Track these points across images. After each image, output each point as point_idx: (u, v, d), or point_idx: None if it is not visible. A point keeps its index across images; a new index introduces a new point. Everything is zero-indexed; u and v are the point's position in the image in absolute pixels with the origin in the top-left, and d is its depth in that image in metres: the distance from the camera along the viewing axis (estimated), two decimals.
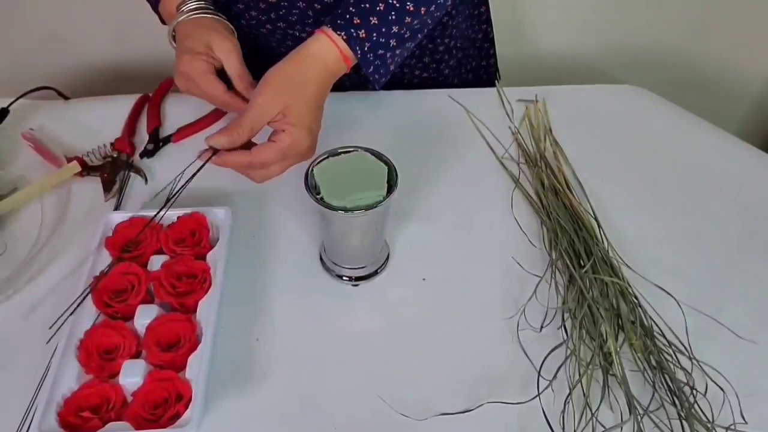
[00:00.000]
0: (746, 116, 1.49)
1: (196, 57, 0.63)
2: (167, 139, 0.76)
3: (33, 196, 0.68)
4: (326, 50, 0.60)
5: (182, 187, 0.60)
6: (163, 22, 0.73)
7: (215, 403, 0.52)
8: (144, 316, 0.54)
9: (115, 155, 0.73)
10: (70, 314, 0.54)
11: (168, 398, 0.49)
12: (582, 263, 0.62)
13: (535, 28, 1.29)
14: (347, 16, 0.61)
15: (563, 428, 0.51)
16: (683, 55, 1.39)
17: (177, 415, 0.48)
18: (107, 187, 0.69)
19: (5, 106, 0.77)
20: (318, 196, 0.54)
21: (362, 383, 0.54)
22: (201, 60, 0.63)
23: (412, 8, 0.62)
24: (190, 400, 0.49)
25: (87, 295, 0.55)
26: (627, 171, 0.75)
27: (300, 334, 0.57)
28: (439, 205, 0.70)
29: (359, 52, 0.61)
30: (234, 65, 0.65)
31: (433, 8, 0.64)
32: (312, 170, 0.55)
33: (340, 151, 0.57)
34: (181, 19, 0.66)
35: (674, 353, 0.55)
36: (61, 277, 0.61)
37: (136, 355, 0.53)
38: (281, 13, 0.70)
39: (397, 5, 0.61)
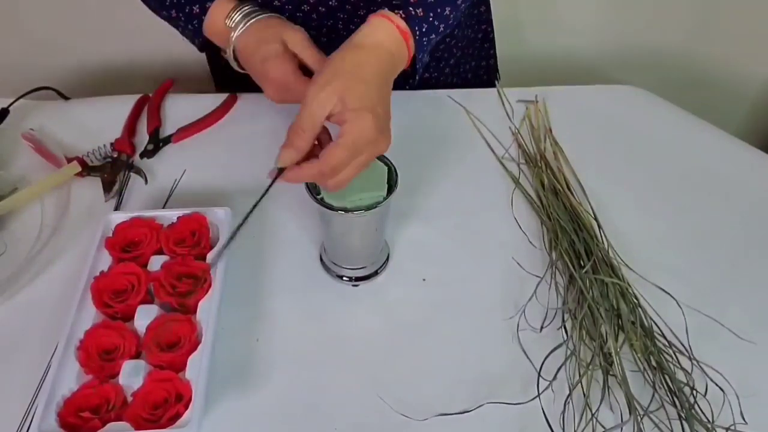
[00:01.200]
0: (746, 116, 1.49)
1: (282, 59, 0.59)
2: (167, 140, 0.76)
3: (33, 197, 0.68)
4: (382, 29, 0.55)
5: (253, 207, 0.53)
6: (201, 49, 0.69)
7: (215, 403, 0.52)
8: (144, 317, 0.54)
9: (115, 155, 0.73)
10: None
11: (168, 398, 0.49)
12: (582, 263, 0.62)
13: (535, 28, 1.29)
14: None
15: (563, 428, 0.51)
16: (683, 55, 1.39)
17: (177, 416, 0.48)
18: (107, 188, 0.69)
19: (5, 106, 0.77)
20: (318, 197, 0.54)
21: (362, 383, 0.54)
22: (288, 61, 0.60)
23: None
24: (190, 400, 0.49)
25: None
26: (627, 171, 0.75)
27: (300, 335, 0.57)
28: (439, 205, 0.70)
29: (417, 32, 0.57)
30: (313, 54, 0.61)
31: None
32: None
33: None
34: (240, 30, 0.62)
35: (674, 354, 0.55)
36: (61, 277, 0.61)
37: (136, 356, 0.53)
38: (285, 16, 0.70)
39: None
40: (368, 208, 0.53)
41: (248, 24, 0.62)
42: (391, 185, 0.55)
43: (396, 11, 0.57)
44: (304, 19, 0.70)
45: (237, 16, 0.62)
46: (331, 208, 0.53)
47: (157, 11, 0.69)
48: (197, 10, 0.64)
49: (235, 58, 0.65)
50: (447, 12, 0.61)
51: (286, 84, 0.60)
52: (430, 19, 0.59)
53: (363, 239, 0.58)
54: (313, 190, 0.54)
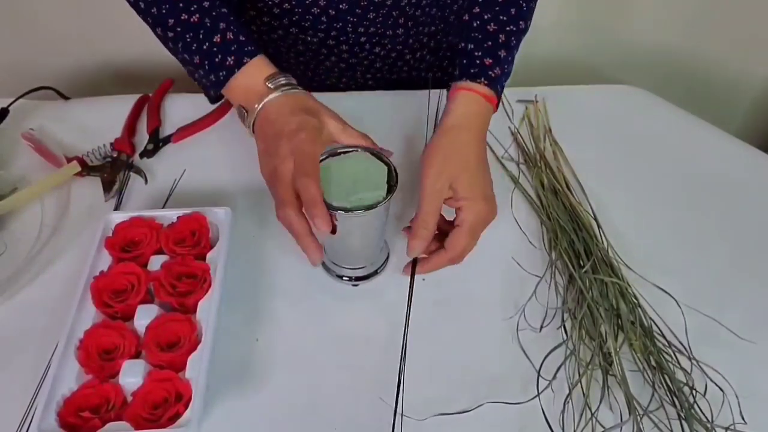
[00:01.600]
0: (746, 116, 1.49)
1: (315, 137, 0.54)
2: (167, 139, 0.76)
3: (33, 196, 0.68)
4: (471, 101, 0.59)
5: (411, 280, 0.57)
6: (212, 100, 0.64)
7: (215, 403, 0.52)
8: (144, 316, 0.54)
9: (115, 155, 0.73)
10: None
11: (168, 398, 0.49)
12: (582, 263, 0.62)
13: (534, 28, 1.28)
14: (477, 62, 0.60)
15: (563, 428, 0.51)
16: (683, 55, 1.39)
17: (177, 415, 0.48)
18: (107, 188, 0.69)
19: (5, 106, 0.77)
20: None
21: (362, 383, 0.54)
22: (319, 144, 0.55)
23: (523, 26, 0.63)
24: (189, 400, 0.49)
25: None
26: (627, 171, 0.75)
27: (300, 335, 0.57)
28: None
29: (499, 89, 0.61)
30: (352, 134, 0.58)
31: (531, 17, 0.65)
32: None
33: (340, 151, 0.57)
34: (279, 93, 0.57)
35: (674, 353, 0.55)
36: (61, 277, 0.61)
37: (136, 355, 0.53)
38: (294, 18, 0.70)
39: (514, 29, 0.62)
40: (368, 208, 0.53)
41: (289, 91, 0.57)
42: (391, 185, 0.55)
43: (477, 80, 0.59)
44: (314, 21, 0.70)
45: (282, 80, 0.58)
46: (331, 207, 0.53)
47: (174, 53, 0.63)
48: (231, 63, 0.58)
49: (252, 122, 0.58)
50: (516, 52, 0.63)
51: (304, 165, 0.52)
52: (506, 69, 0.61)
53: (363, 239, 0.58)
54: None
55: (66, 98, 0.82)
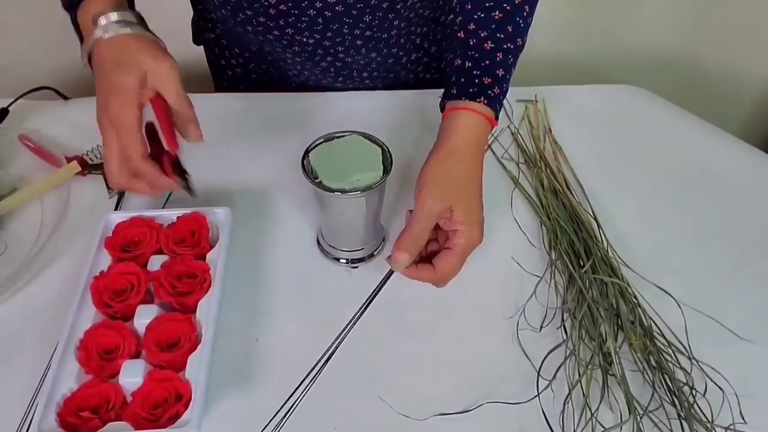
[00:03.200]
0: (746, 116, 1.49)
1: (129, 97, 0.52)
2: None
3: (33, 196, 0.68)
4: (472, 124, 0.58)
5: (378, 288, 0.57)
6: (80, 36, 0.59)
7: (215, 403, 0.52)
8: (144, 316, 0.54)
9: None
10: None
11: (168, 398, 0.49)
12: (582, 263, 0.62)
13: (534, 28, 1.29)
14: (476, 81, 0.59)
15: (563, 428, 0.51)
16: (683, 56, 1.39)
17: (177, 415, 0.48)
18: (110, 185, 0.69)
19: (5, 106, 0.77)
20: (316, 180, 0.55)
21: (362, 383, 0.54)
22: (135, 105, 0.52)
23: (520, 43, 0.61)
24: (189, 400, 0.49)
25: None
26: (627, 171, 0.75)
27: (300, 335, 0.57)
28: None
29: (498, 108, 0.60)
30: (178, 93, 0.54)
31: (527, 33, 0.63)
32: (308, 156, 0.57)
33: (334, 134, 0.58)
34: (101, 36, 0.54)
35: (674, 353, 0.55)
36: (61, 276, 0.61)
37: (136, 355, 0.53)
38: (290, 20, 0.70)
39: (512, 47, 0.60)
40: (365, 189, 0.54)
41: (117, 33, 0.53)
42: (386, 166, 0.56)
43: (477, 99, 0.58)
44: (309, 23, 0.70)
45: (113, 17, 0.54)
46: (328, 189, 0.54)
47: None
48: None
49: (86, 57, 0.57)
50: (514, 70, 0.61)
51: (119, 129, 0.52)
52: (504, 88, 0.60)
53: (359, 221, 0.59)
54: (310, 173, 0.55)
55: (66, 98, 0.82)
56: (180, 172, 0.53)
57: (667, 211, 0.70)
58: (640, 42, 1.36)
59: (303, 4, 0.68)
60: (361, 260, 0.63)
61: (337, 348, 0.56)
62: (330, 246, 0.63)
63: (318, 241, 0.65)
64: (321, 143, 0.58)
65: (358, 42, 0.74)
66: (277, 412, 0.52)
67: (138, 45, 0.54)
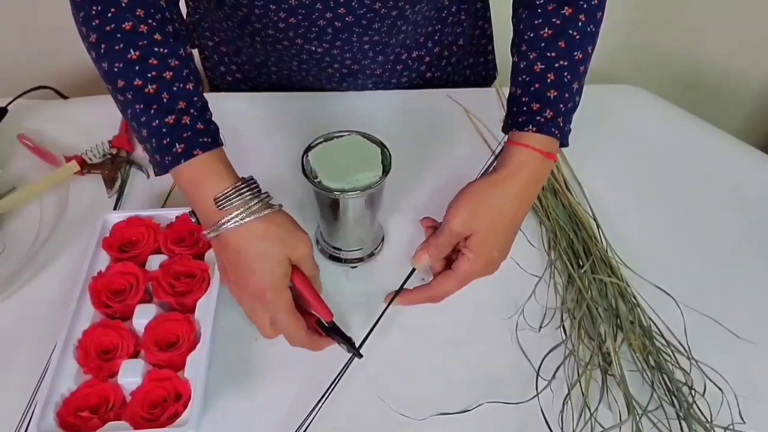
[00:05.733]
0: (746, 116, 1.49)
1: (284, 290, 0.50)
2: None
3: (32, 196, 0.68)
4: (524, 160, 0.54)
5: (374, 324, 0.55)
6: (157, 173, 0.50)
7: (214, 402, 0.52)
8: (142, 316, 0.54)
9: (114, 152, 0.73)
10: None
11: (167, 398, 0.49)
12: (581, 263, 0.62)
13: None
14: (524, 108, 0.55)
15: (562, 428, 0.51)
16: (683, 56, 1.39)
17: (176, 415, 0.48)
18: (109, 184, 0.69)
19: (4, 105, 0.77)
20: (316, 180, 0.55)
21: (362, 383, 0.54)
22: (288, 293, 0.50)
23: (580, 56, 0.56)
24: (188, 399, 0.49)
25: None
26: (626, 171, 0.75)
27: None
28: (439, 205, 0.69)
29: (556, 131, 0.54)
30: (311, 266, 0.52)
31: (595, 40, 0.58)
32: (308, 156, 0.57)
33: (333, 135, 0.58)
34: (236, 223, 0.48)
35: (673, 353, 0.55)
36: (60, 276, 0.61)
37: (135, 355, 0.53)
38: (300, 31, 0.70)
39: (566, 64, 0.55)
40: (365, 188, 0.54)
41: (250, 219, 0.48)
42: (386, 166, 0.56)
43: (525, 128, 0.54)
44: (319, 33, 0.70)
45: (237, 201, 0.48)
46: (328, 189, 0.54)
47: (121, 111, 0.51)
48: (179, 150, 0.48)
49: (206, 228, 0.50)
50: (575, 86, 0.56)
51: (278, 311, 0.49)
52: (561, 108, 0.55)
53: (359, 220, 0.59)
54: (310, 173, 0.55)
55: (65, 97, 0.82)
56: (339, 333, 0.53)
57: (666, 211, 0.70)
58: (640, 42, 1.36)
59: (313, 16, 0.68)
60: (360, 260, 0.63)
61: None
62: (329, 246, 0.63)
63: (317, 241, 0.65)
64: (321, 143, 0.58)
65: (366, 47, 0.74)
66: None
67: (276, 230, 0.49)
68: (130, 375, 0.51)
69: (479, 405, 0.52)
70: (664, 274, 0.61)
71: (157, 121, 0.48)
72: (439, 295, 0.56)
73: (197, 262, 0.58)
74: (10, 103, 0.78)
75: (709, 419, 0.51)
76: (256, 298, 0.49)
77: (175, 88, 0.49)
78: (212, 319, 0.54)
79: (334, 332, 0.53)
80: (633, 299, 0.59)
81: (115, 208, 0.68)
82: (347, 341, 0.52)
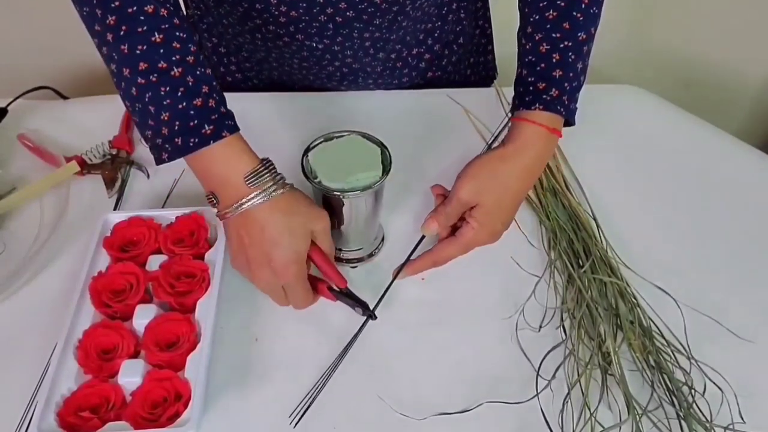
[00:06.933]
0: (746, 116, 1.49)
1: (302, 264, 0.53)
2: None
3: (32, 196, 0.68)
4: (531, 136, 0.57)
5: (384, 292, 0.59)
6: (157, 161, 0.51)
7: (214, 402, 0.52)
8: (142, 316, 0.54)
9: (114, 152, 0.73)
10: None
11: (167, 398, 0.49)
12: (581, 263, 0.62)
13: None
14: (531, 88, 0.58)
15: (562, 428, 0.51)
16: (683, 56, 1.39)
17: (176, 415, 0.48)
18: (110, 185, 0.69)
19: (4, 105, 0.77)
20: (315, 180, 0.55)
21: (362, 383, 0.54)
22: (305, 268, 0.53)
23: (584, 36, 0.59)
24: (189, 399, 0.49)
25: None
26: (626, 171, 0.75)
27: (299, 334, 0.57)
28: None
29: (561, 109, 0.57)
30: (327, 243, 0.55)
31: (598, 21, 0.61)
32: (307, 156, 0.57)
33: (333, 135, 0.58)
34: (263, 198, 0.50)
35: (673, 353, 0.55)
36: (60, 276, 0.61)
37: (135, 355, 0.53)
38: (301, 26, 0.70)
39: (571, 44, 0.58)
40: (365, 188, 0.54)
41: (274, 193, 0.51)
42: (386, 165, 0.56)
43: (532, 107, 0.57)
44: (320, 28, 0.70)
45: (266, 177, 0.51)
46: (328, 189, 0.54)
47: (127, 98, 0.51)
48: (207, 131, 0.49)
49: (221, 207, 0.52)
50: (580, 66, 0.59)
51: (294, 285, 0.53)
52: (566, 87, 0.58)
53: (359, 220, 0.59)
54: (310, 173, 0.55)
55: (65, 98, 0.82)
56: (353, 298, 0.56)
57: (666, 211, 0.70)
58: (640, 42, 1.36)
59: (314, 11, 0.68)
60: (360, 260, 0.63)
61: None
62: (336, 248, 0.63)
63: None
64: (321, 143, 0.58)
65: (367, 44, 0.74)
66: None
67: (296, 205, 0.52)
68: (131, 375, 0.51)
69: (479, 405, 0.52)
70: (664, 274, 0.61)
71: (184, 103, 0.49)
72: (442, 259, 0.60)
73: (197, 262, 0.58)
74: (10, 103, 0.78)
75: (709, 419, 0.51)
76: (277, 271, 0.51)
77: (198, 72, 0.51)
78: (212, 319, 0.54)
79: (348, 297, 0.56)
80: (633, 299, 0.59)
81: (115, 209, 0.68)
82: (362, 305, 0.55)
